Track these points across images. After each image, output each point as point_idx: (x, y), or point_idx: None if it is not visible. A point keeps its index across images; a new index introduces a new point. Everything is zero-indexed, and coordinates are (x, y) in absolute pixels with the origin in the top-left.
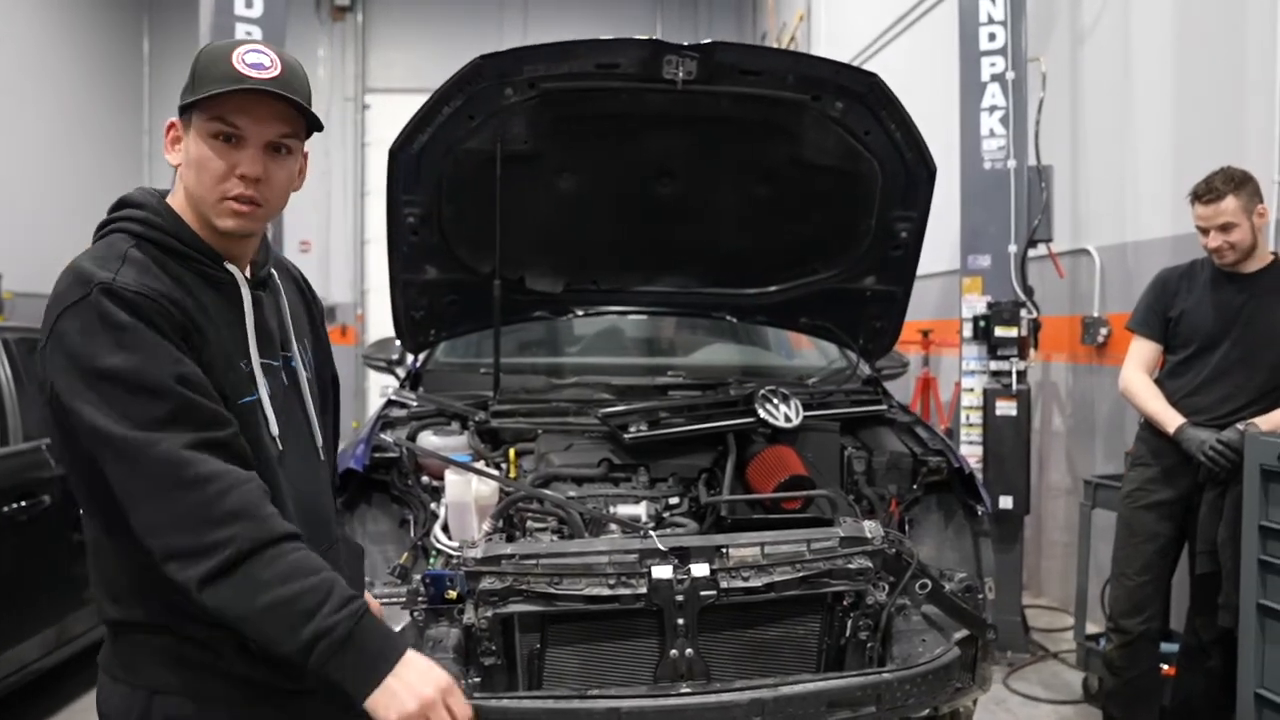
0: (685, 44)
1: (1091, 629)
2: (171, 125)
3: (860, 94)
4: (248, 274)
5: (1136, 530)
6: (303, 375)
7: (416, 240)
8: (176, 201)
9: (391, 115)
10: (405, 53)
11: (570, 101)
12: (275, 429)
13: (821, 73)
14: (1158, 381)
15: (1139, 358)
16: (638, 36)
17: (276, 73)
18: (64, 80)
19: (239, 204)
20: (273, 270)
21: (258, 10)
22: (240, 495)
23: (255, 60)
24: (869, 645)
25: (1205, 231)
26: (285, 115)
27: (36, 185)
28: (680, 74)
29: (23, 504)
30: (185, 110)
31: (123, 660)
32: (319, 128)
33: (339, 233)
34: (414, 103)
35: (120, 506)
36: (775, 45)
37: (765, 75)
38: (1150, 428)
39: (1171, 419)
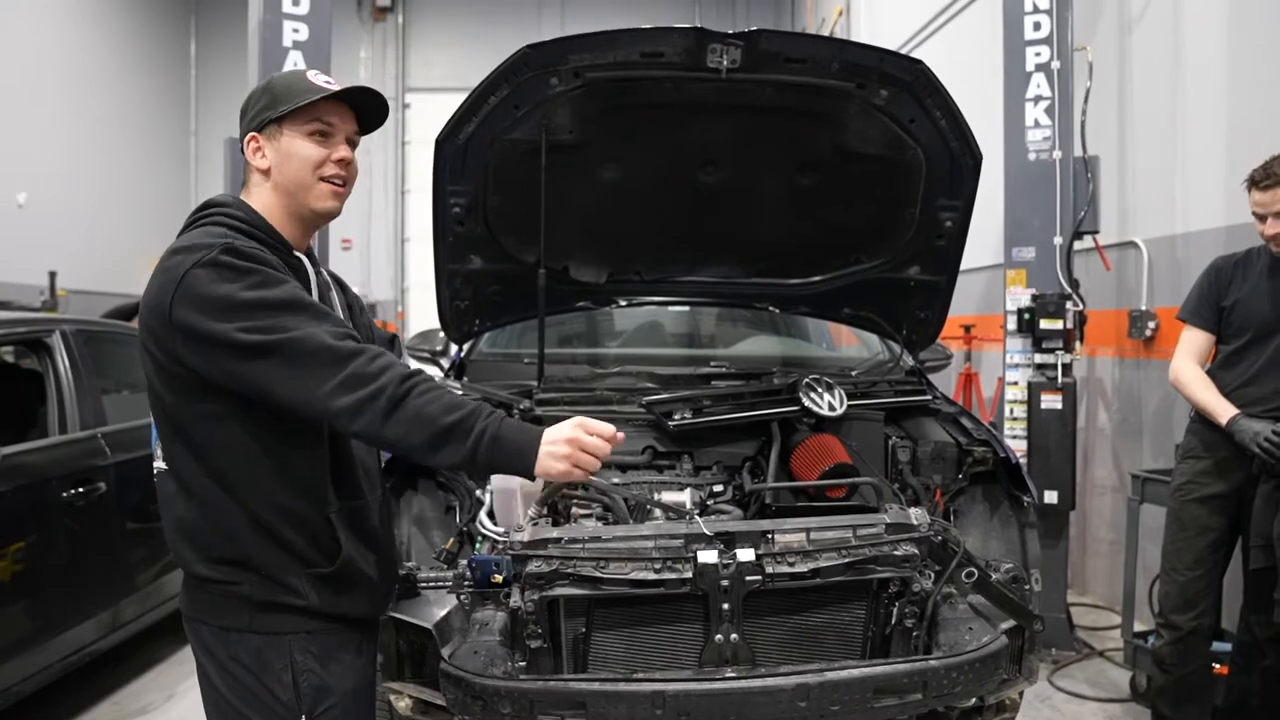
0: (730, 32)
1: (1139, 627)
2: (253, 138)
3: (906, 82)
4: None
5: (1188, 524)
6: None
7: (462, 230)
8: (255, 202)
9: (431, 114)
10: (445, 52)
11: (615, 91)
12: None
13: (866, 60)
14: (1210, 372)
15: (1190, 348)
16: (682, 25)
17: (339, 87)
18: (113, 84)
19: (335, 184)
20: (310, 261)
21: (304, 8)
22: (381, 358)
23: (323, 79)
24: (914, 633)
25: (1262, 219)
26: (352, 118)
27: (88, 187)
28: (725, 62)
29: (80, 490)
30: (271, 123)
31: (210, 607)
32: (378, 126)
33: (380, 231)
34: (453, 101)
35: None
36: None
37: (809, 63)
38: (1202, 419)
39: (1224, 410)
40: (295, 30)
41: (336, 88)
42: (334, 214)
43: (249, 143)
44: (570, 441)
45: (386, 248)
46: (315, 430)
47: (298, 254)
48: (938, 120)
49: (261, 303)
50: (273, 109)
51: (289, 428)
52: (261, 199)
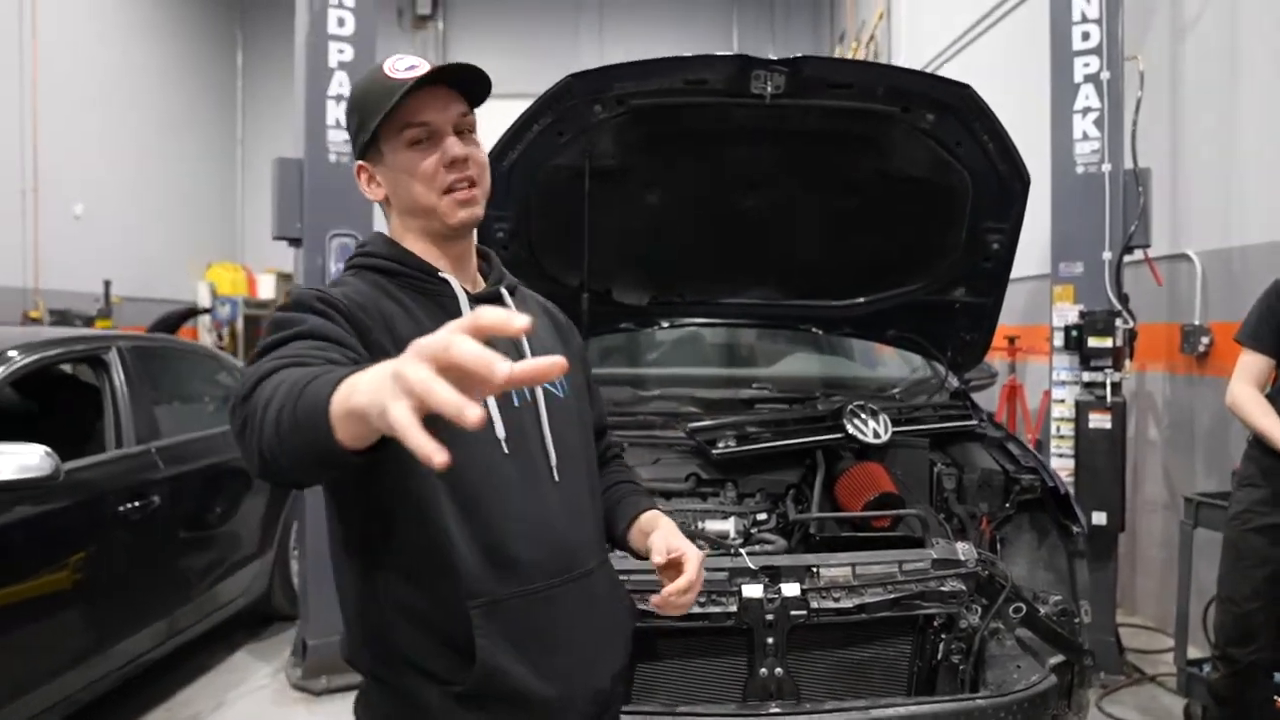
0: (774, 59)
1: (1193, 653)
2: (360, 169)
3: (952, 106)
4: (470, 288)
5: (1245, 554)
6: (541, 395)
7: (506, 255)
8: (394, 231)
9: None
10: (484, 60)
11: (658, 117)
12: (501, 431)
13: (912, 85)
14: (1269, 397)
15: (1248, 372)
16: (725, 53)
17: (427, 67)
18: (164, 94)
19: (460, 191)
20: (505, 290)
21: (349, 28)
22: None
23: (405, 65)
24: (961, 669)
25: None
26: (455, 98)
27: (140, 196)
28: (768, 88)
29: (135, 504)
30: (369, 147)
31: (365, 700)
32: (488, 89)
33: None
34: (492, 107)
35: (370, 549)
36: (854, 44)
37: (854, 88)
38: (1260, 446)
39: None
40: (340, 51)
41: (417, 74)
42: (472, 222)
43: (359, 175)
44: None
45: None
46: (422, 493)
47: (444, 275)
48: (985, 143)
49: (258, 350)
50: (364, 130)
51: (387, 489)
52: (396, 227)
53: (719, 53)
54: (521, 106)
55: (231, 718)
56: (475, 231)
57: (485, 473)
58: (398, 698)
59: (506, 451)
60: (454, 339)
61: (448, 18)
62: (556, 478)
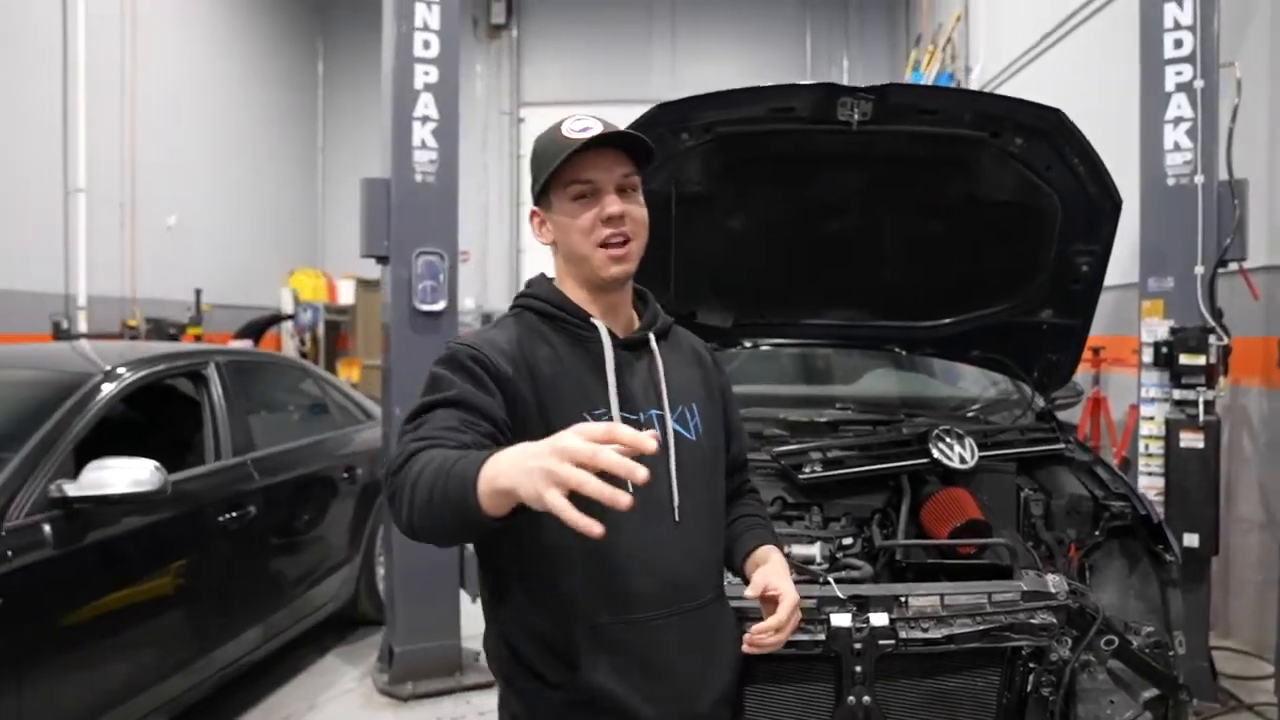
0: (860, 86)
1: None
2: (534, 214)
3: (1042, 129)
4: (621, 333)
5: None
6: (671, 433)
7: None
8: (559, 274)
9: (545, 127)
10: (557, 66)
11: (744, 145)
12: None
13: (1000, 110)
14: None
15: None
16: (811, 82)
17: (599, 129)
18: (249, 105)
19: (614, 248)
20: (652, 335)
21: (434, 51)
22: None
23: (580, 126)
24: (1051, 701)
25: None
26: (620, 159)
27: (228, 205)
28: (855, 115)
29: (233, 514)
30: (542, 194)
31: (501, 699)
32: (651, 157)
33: (496, 242)
34: (566, 114)
35: (501, 569)
36: (930, 47)
37: (941, 114)
38: None
39: None
40: (426, 73)
41: (588, 135)
42: (624, 277)
43: (532, 219)
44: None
45: (503, 259)
46: (547, 529)
47: (595, 322)
48: (1075, 166)
49: (415, 410)
50: (537, 181)
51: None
52: (560, 269)
53: (804, 81)
54: (595, 113)
55: None
56: (630, 283)
57: (604, 509)
58: (523, 699)
59: (632, 491)
60: (598, 450)
61: (521, 26)
62: (678, 518)
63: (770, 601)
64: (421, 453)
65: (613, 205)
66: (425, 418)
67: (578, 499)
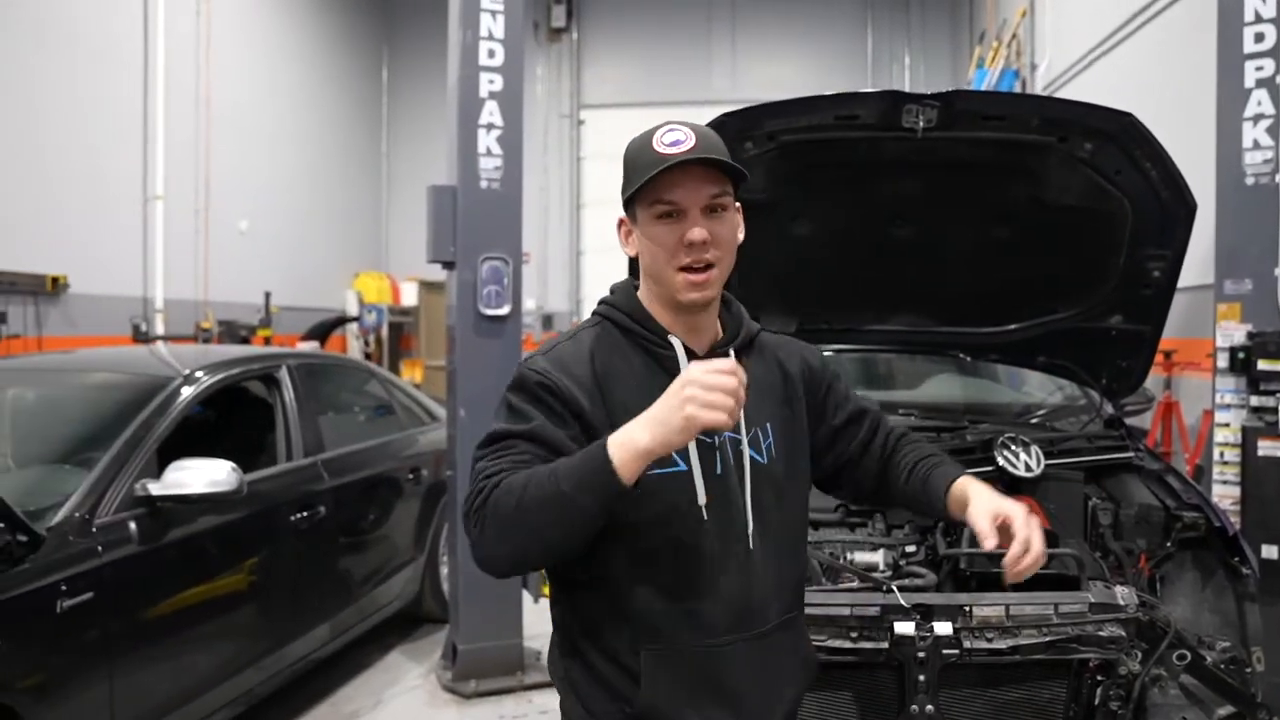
0: (926, 93)
1: None
2: (621, 222)
3: (1112, 134)
4: (703, 349)
5: None
6: (747, 458)
7: None
8: (643, 284)
9: (605, 129)
10: (617, 69)
11: (808, 152)
12: (702, 498)
13: (1068, 115)
14: None
15: None
16: (876, 89)
17: (691, 144)
18: (317, 112)
19: (694, 273)
20: (733, 350)
21: (499, 59)
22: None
23: (672, 139)
24: (1120, 714)
25: None
26: (711, 178)
27: (296, 210)
28: (920, 122)
29: (304, 514)
30: (629, 204)
31: (563, 705)
32: (744, 178)
33: (556, 244)
34: (626, 116)
35: (572, 584)
36: (995, 43)
37: (1008, 120)
38: None
39: None
40: (490, 81)
41: (678, 152)
42: (702, 303)
43: (619, 227)
44: (685, 388)
45: (563, 260)
46: (615, 548)
47: (672, 339)
48: (1147, 170)
49: (491, 436)
50: (626, 190)
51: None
52: (644, 283)
53: (867, 85)
54: (654, 115)
55: (388, 716)
56: (714, 305)
57: (678, 534)
58: (583, 708)
59: (705, 517)
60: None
61: (581, 29)
62: (750, 544)
63: (1003, 529)
64: (504, 480)
65: (696, 231)
66: (500, 447)
67: (654, 526)
